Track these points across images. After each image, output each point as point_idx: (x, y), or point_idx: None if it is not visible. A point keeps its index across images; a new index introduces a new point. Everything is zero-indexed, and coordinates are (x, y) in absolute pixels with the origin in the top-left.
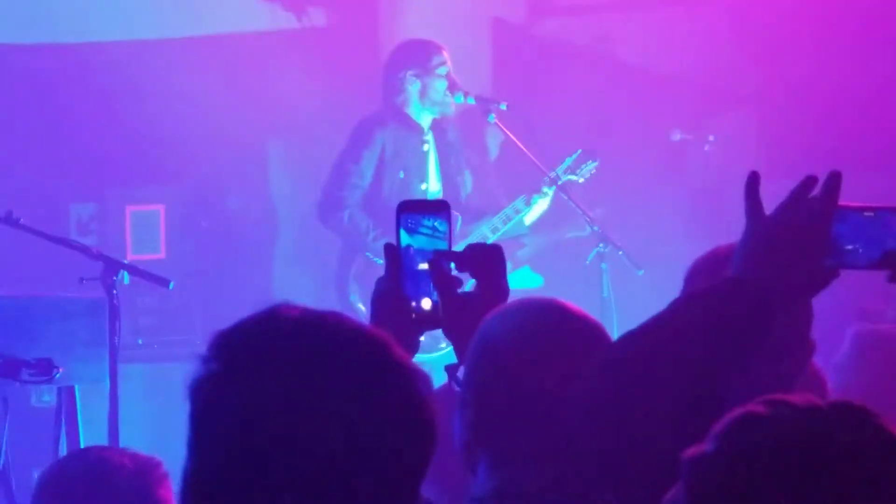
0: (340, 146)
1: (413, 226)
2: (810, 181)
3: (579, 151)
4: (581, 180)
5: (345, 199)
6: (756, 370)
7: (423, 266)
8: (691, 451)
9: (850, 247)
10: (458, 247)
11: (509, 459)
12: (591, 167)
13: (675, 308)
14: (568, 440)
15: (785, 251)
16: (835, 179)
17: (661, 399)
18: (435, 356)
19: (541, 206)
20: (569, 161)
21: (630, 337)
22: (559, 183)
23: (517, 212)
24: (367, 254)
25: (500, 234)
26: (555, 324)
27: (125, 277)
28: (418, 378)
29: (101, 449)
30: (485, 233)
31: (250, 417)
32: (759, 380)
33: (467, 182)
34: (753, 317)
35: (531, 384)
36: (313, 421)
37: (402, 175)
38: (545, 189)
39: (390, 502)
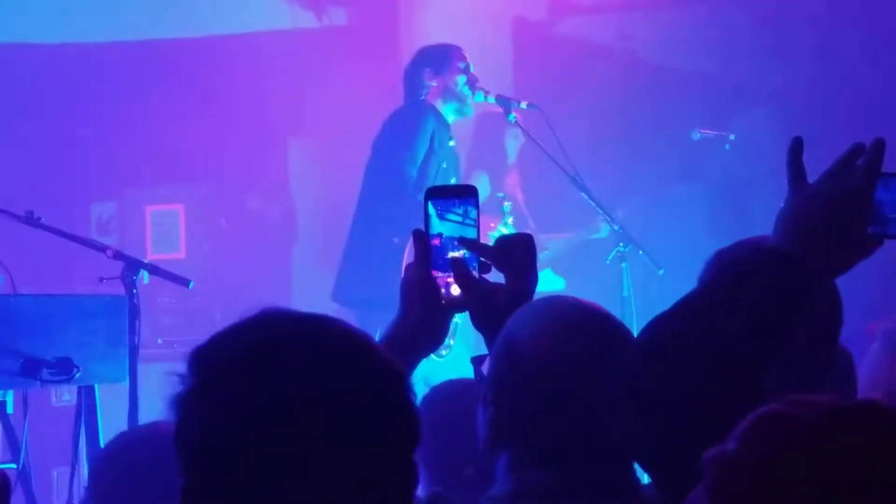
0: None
1: (442, 212)
2: (857, 149)
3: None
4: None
5: (407, 183)
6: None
7: (453, 254)
8: (713, 451)
9: (893, 215)
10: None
11: (528, 461)
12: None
13: (712, 283)
14: (599, 432)
15: (828, 219)
16: (879, 147)
17: (699, 381)
18: (437, 361)
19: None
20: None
21: (666, 317)
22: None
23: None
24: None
25: None
26: (579, 325)
27: (145, 277)
28: (397, 376)
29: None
30: None
31: (228, 430)
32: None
33: (484, 185)
34: (796, 288)
35: (554, 385)
36: (289, 428)
37: (444, 165)
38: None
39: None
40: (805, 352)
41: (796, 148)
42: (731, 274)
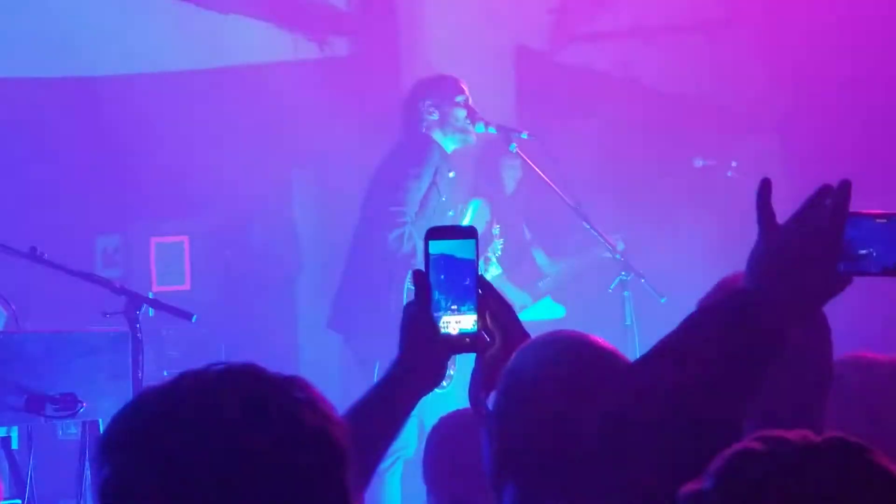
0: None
1: (442, 252)
2: (824, 190)
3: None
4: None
5: (405, 214)
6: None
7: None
8: (689, 488)
9: (863, 252)
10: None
11: (534, 493)
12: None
13: (686, 327)
14: (590, 473)
15: (797, 259)
16: (845, 186)
17: (678, 423)
18: (438, 392)
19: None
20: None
21: (644, 362)
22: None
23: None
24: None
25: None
26: (582, 359)
27: (150, 311)
28: (307, 405)
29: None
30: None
31: None
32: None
33: (484, 214)
34: (767, 329)
35: (557, 418)
36: (210, 488)
37: (444, 198)
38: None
39: None
40: (794, 388)
41: (764, 189)
42: (701, 317)
